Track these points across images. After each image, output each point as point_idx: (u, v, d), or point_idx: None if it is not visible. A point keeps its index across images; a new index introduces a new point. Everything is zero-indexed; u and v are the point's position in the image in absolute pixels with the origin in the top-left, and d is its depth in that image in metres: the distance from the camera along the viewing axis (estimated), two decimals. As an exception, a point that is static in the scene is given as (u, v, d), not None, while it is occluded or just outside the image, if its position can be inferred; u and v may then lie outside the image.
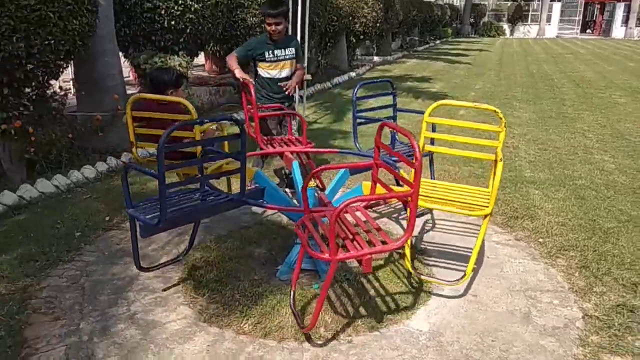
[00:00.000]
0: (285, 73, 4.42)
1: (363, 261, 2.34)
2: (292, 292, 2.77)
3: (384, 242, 2.47)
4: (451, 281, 3.03)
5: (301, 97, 7.90)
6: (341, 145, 6.27)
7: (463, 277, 2.96)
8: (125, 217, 4.09)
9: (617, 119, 8.22)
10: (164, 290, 3.06)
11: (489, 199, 2.96)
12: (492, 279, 3.24)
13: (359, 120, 4.08)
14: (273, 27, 4.22)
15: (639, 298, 3.01)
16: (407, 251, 3.03)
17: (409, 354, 2.51)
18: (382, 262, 3.40)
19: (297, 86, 4.51)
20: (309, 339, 2.61)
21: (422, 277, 3.14)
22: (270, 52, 4.31)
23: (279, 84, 4.43)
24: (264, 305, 2.89)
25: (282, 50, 4.34)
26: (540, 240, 3.78)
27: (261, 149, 3.85)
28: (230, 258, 3.43)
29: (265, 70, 4.40)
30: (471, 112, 8.22)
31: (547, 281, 3.22)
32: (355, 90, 3.97)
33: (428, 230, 3.95)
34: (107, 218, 4.08)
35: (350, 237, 2.50)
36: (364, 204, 2.94)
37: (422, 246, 3.66)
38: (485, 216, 2.88)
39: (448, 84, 12.04)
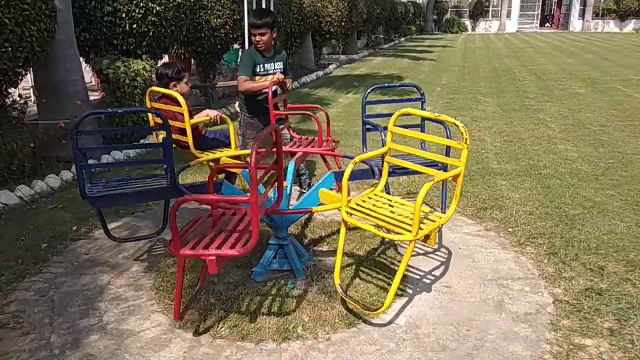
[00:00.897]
0: (274, 87, 4.16)
1: (207, 261, 2.36)
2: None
3: (232, 247, 2.42)
4: (372, 310, 2.76)
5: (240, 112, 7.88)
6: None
7: (380, 307, 2.71)
8: (93, 226, 4.00)
9: (578, 109, 8.47)
10: (136, 296, 3.00)
11: (418, 220, 2.55)
12: (464, 270, 3.29)
13: (367, 127, 3.96)
14: (257, 38, 4.06)
15: (606, 281, 3.10)
16: (337, 267, 2.83)
17: (386, 348, 2.53)
18: (351, 260, 3.41)
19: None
20: (288, 339, 2.60)
21: (347, 299, 2.83)
22: (261, 65, 4.16)
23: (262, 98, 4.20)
24: (240, 308, 2.86)
25: (272, 64, 4.20)
26: (510, 229, 3.87)
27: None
28: (204, 262, 3.38)
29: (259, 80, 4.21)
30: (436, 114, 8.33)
31: (517, 269, 3.29)
32: (366, 94, 3.89)
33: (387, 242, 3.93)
34: (74, 228, 3.97)
35: (224, 235, 2.55)
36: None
37: (368, 257, 3.49)
38: (410, 241, 2.59)
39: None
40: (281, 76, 4.10)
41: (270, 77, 4.16)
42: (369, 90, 3.94)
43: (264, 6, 7.26)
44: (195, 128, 3.89)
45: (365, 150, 4.01)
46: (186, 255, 2.43)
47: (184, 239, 2.52)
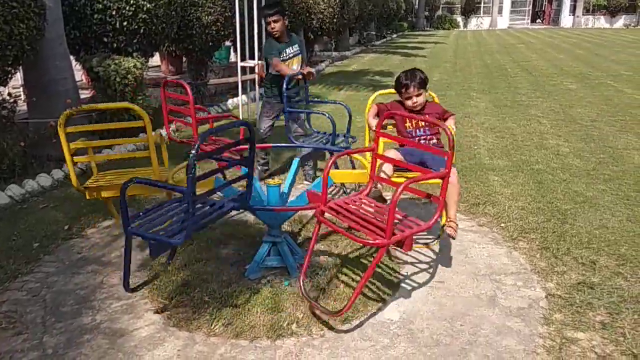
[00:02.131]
0: (294, 68, 4.69)
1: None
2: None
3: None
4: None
5: (261, 94, 7.86)
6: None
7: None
8: (85, 224, 3.97)
9: (569, 105, 8.52)
10: (132, 290, 2.99)
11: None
12: (457, 265, 3.30)
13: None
14: (272, 25, 4.52)
15: (598, 275, 3.13)
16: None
17: (380, 344, 2.54)
18: (351, 256, 3.41)
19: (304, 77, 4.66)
20: (282, 336, 2.60)
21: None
22: (282, 52, 4.58)
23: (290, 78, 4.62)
24: (234, 305, 2.86)
25: (290, 48, 4.64)
26: (502, 224, 3.88)
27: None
28: (197, 260, 3.38)
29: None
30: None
31: (510, 264, 3.31)
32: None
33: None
34: (66, 227, 3.95)
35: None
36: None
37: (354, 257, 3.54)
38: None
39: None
40: (308, 69, 4.52)
41: (291, 60, 4.65)
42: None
43: (255, 3, 7.24)
44: None
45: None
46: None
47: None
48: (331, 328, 2.66)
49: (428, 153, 3.22)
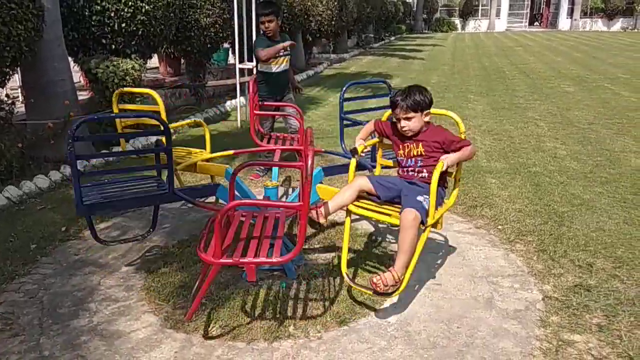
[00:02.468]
0: (282, 67, 4.91)
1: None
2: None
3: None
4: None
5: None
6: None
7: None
8: (82, 226, 3.97)
9: (567, 107, 8.54)
10: (126, 297, 2.98)
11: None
12: (454, 267, 3.31)
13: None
14: (266, 25, 4.73)
15: (595, 278, 3.13)
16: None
17: (378, 346, 2.54)
18: (348, 257, 3.41)
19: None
20: (279, 338, 2.60)
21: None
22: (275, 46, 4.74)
23: (277, 76, 4.93)
24: (231, 307, 2.86)
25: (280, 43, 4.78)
26: (499, 227, 3.89)
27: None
28: (195, 262, 3.38)
29: (267, 66, 4.84)
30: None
31: (507, 266, 3.32)
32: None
33: (377, 239, 3.98)
34: (63, 228, 3.94)
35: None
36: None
37: (376, 251, 3.58)
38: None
39: (404, 80, 12.21)
40: (289, 42, 4.75)
41: (280, 59, 4.84)
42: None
43: (253, 5, 7.25)
44: None
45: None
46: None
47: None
48: (328, 330, 2.66)
49: (408, 188, 2.84)
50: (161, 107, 3.65)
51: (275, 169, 3.90)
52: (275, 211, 2.89)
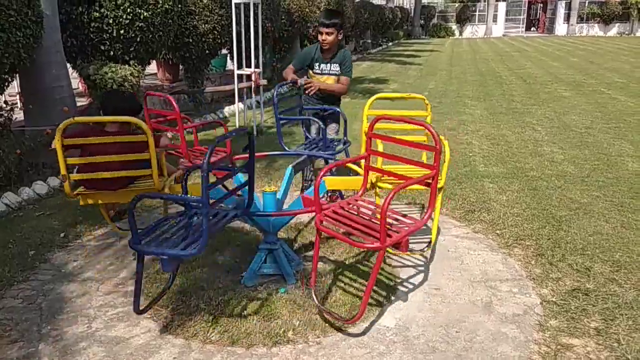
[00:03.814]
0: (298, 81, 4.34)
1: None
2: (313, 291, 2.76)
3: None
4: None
5: (258, 102, 7.88)
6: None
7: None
8: (81, 232, 3.97)
9: (564, 112, 8.58)
10: (141, 312, 2.98)
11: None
12: (453, 272, 3.32)
13: (282, 122, 4.24)
14: (324, 37, 4.23)
15: (593, 282, 3.14)
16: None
17: (377, 351, 2.54)
18: (347, 262, 3.42)
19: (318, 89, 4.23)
20: (279, 343, 2.60)
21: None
22: (318, 64, 4.34)
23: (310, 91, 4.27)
24: (230, 312, 2.86)
25: (328, 65, 4.33)
26: (497, 231, 3.90)
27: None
28: (193, 268, 3.38)
29: (313, 79, 4.38)
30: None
31: (505, 271, 3.33)
32: (275, 92, 4.21)
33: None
34: (61, 235, 3.94)
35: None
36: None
37: (351, 264, 3.50)
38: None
39: (402, 85, 12.26)
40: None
41: (324, 77, 4.32)
42: (276, 87, 4.23)
43: (251, 11, 7.26)
44: None
45: (282, 143, 4.14)
46: (387, 245, 2.46)
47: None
48: (327, 335, 2.66)
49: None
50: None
51: (286, 177, 3.70)
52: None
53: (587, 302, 2.92)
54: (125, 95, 3.74)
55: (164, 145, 3.63)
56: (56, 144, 2.98)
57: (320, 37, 4.25)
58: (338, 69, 4.30)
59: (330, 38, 4.19)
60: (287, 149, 4.20)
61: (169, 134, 3.83)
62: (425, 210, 2.72)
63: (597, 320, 2.76)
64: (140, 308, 2.76)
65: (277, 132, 4.18)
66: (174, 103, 3.64)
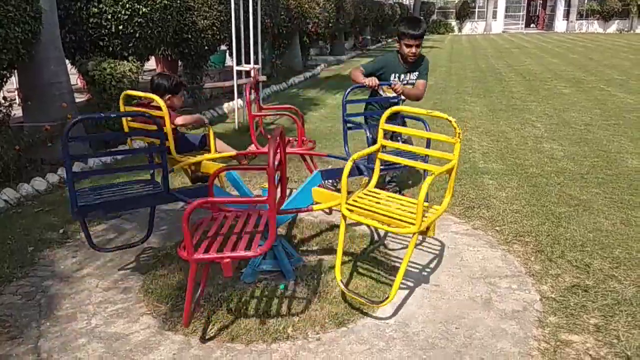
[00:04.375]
0: (402, 97, 4.02)
1: (222, 264, 2.33)
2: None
3: (247, 249, 2.40)
4: (377, 302, 2.84)
5: (258, 98, 7.87)
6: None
7: (386, 299, 2.77)
8: (80, 229, 3.96)
9: (563, 109, 8.57)
10: (124, 299, 2.98)
11: (421, 213, 2.60)
12: (453, 268, 3.32)
13: (348, 125, 4.00)
14: (413, 50, 3.89)
15: (592, 278, 3.15)
16: (338, 262, 2.87)
17: (376, 347, 2.54)
18: (346, 258, 3.42)
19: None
20: (278, 339, 2.60)
21: (350, 294, 2.88)
22: (396, 75, 4.02)
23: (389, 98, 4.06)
24: (229, 309, 2.86)
25: (407, 75, 4.05)
26: (497, 228, 3.90)
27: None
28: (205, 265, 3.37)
29: (385, 92, 4.09)
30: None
31: (505, 267, 3.33)
32: (346, 93, 3.91)
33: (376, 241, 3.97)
34: (60, 231, 3.94)
35: (234, 237, 2.51)
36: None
37: (362, 255, 3.56)
38: (414, 234, 2.64)
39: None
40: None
41: (406, 87, 4.02)
42: (348, 90, 3.94)
43: (250, 7, 7.23)
44: (175, 131, 3.86)
45: (347, 148, 4.00)
46: (199, 260, 2.35)
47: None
48: (327, 332, 2.67)
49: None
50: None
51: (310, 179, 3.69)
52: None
53: (587, 299, 2.92)
54: (169, 76, 4.01)
55: (179, 123, 3.83)
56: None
57: (407, 50, 3.89)
58: (416, 76, 4.08)
59: (419, 50, 3.92)
60: (349, 151, 3.89)
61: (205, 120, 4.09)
62: (444, 197, 2.84)
63: (597, 316, 2.76)
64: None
65: (344, 136, 4.01)
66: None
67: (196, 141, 4.06)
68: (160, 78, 3.92)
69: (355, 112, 4.32)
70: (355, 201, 2.94)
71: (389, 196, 3.07)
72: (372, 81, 3.81)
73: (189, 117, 3.95)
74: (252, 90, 4.68)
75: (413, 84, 4.07)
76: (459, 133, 2.81)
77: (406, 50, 3.90)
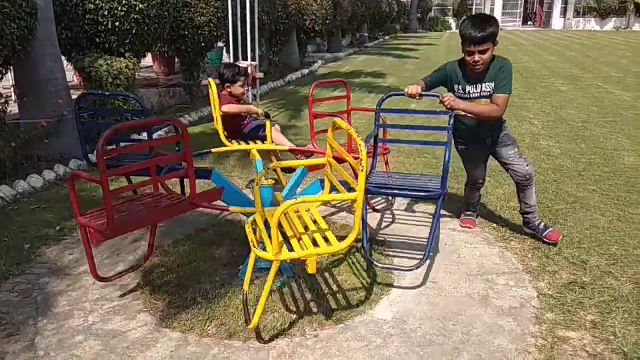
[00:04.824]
0: (460, 112, 3.26)
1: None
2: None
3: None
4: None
5: (254, 95, 7.85)
6: (297, 142, 6.25)
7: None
8: (76, 226, 3.94)
9: (560, 106, 8.58)
10: (121, 296, 2.98)
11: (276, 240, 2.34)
12: (450, 265, 3.32)
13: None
14: (476, 58, 3.07)
15: (589, 275, 3.15)
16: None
17: (374, 344, 2.54)
18: (343, 255, 3.42)
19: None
20: (276, 336, 2.60)
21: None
22: (459, 86, 3.28)
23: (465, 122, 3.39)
24: (227, 306, 2.85)
25: (477, 86, 3.21)
26: (494, 225, 3.90)
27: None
28: (190, 261, 3.37)
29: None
30: (421, 103, 8.36)
31: (502, 264, 3.33)
32: (380, 101, 3.61)
33: (388, 223, 4.01)
34: (57, 228, 3.92)
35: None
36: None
37: (380, 238, 3.71)
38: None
39: (399, 79, 12.23)
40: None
41: (479, 101, 3.25)
42: (383, 97, 3.51)
43: (248, 4, 7.20)
44: (240, 117, 4.23)
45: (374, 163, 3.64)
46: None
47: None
48: (324, 328, 2.66)
49: None
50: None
51: (258, 163, 3.75)
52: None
53: (583, 295, 2.93)
54: (231, 66, 4.35)
55: (224, 111, 4.04)
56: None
57: (469, 58, 3.13)
58: (492, 86, 3.19)
59: (485, 57, 3.06)
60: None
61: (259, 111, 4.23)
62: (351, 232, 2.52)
63: (593, 313, 2.77)
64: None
65: (374, 153, 3.60)
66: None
67: (254, 130, 4.27)
68: (223, 67, 4.28)
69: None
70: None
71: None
72: (413, 89, 3.26)
73: (234, 107, 4.17)
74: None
75: (487, 95, 3.22)
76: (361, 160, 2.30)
77: (467, 58, 3.16)
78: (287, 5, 12.35)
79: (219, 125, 4.00)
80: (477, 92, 3.24)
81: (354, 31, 22.68)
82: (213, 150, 4.03)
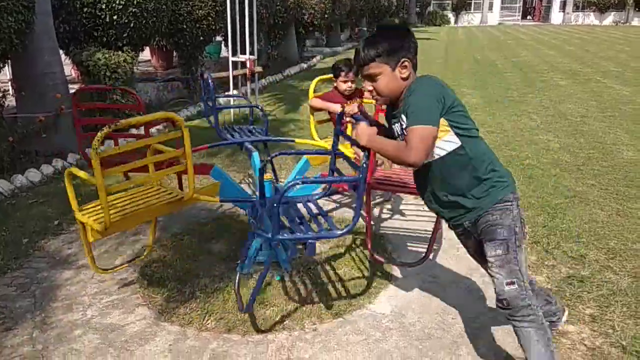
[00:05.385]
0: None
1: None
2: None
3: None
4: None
5: (253, 90, 7.83)
6: (297, 135, 6.25)
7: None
8: (74, 221, 3.93)
9: (559, 100, 8.57)
10: (120, 290, 2.97)
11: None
12: (449, 259, 3.32)
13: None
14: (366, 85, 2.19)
15: (588, 269, 3.15)
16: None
17: (373, 338, 2.55)
18: (342, 249, 3.42)
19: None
20: (275, 330, 2.60)
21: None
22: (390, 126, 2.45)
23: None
24: (226, 300, 2.85)
25: (398, 121, 2.13)
26: (493, 219, 3.90)
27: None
28: (189, 255, 3.37)
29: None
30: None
31: (501, 258, 3.32)
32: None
33: (389, 217, 4.01)
34: (55, 222, 3.91)
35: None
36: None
37: (382, 232, 3.71)
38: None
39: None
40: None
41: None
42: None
43: (246, 1, 7.17)
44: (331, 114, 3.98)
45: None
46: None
47: None
48: (323, 322, 2.66)
49: None
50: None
51: (255, 157, 3.68)
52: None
53: (582, 289, 2.93)
54: (342, 60, 4.10)
55: (310, 104, 4.01)
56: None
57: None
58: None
59: (377, 85, 2.12)
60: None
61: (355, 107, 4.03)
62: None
63: (592, 307, 2.77)
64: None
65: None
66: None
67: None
68: (337, 62, 4.09)
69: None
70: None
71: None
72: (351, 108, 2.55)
73: (319, 102, 3.98)
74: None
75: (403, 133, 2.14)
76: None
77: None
78: (285, -1, 12.31)
79: (311, 121, 4.03)
80: (400, 131, 2.14)
81: (353, 25, 22.60)
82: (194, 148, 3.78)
